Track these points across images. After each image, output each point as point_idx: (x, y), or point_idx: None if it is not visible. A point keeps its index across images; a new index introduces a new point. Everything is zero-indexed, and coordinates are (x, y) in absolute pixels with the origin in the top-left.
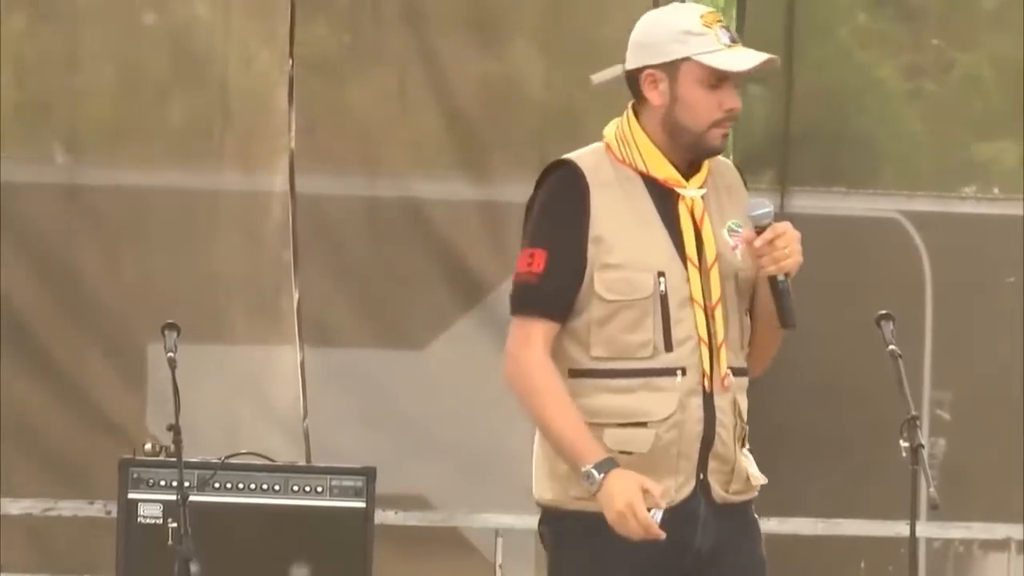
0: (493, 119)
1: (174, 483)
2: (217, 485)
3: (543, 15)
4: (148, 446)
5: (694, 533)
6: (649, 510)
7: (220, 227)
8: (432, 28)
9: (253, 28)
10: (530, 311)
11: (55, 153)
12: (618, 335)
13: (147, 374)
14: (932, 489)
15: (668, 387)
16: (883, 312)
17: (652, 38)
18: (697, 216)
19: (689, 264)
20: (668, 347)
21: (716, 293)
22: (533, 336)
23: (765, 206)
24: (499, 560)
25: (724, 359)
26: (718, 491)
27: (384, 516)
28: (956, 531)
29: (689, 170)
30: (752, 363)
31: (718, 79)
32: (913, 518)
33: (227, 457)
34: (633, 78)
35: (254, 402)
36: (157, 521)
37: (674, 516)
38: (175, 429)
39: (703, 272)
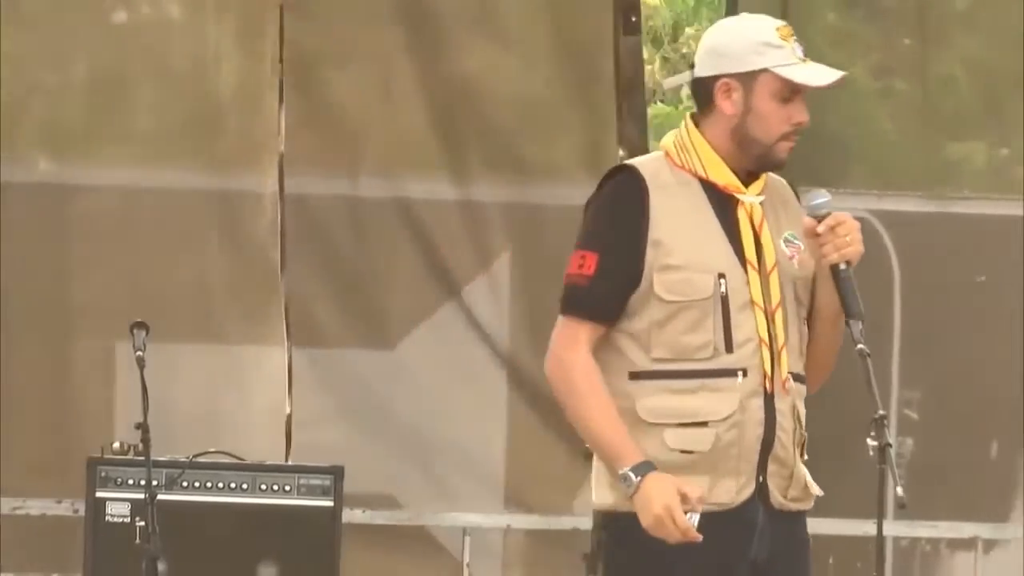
0: (474, 118)
1: (142, 482)
2: (185, 484)
3: (520, 14)
4: (116, 444)
5: (751, 542)
6: (686, 513)
7: (208, 227)
8: (417, 27)
9: (241, 28)
10: (578, 313)
11: (35, 153)
12: (678, 336)
13: (117, 373)
14: (899, 488)
15: (729, 388)
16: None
17: (730, 47)
18: (756, 222)
19: (749, 267)
20: (728, 348)
21: (776, 297)
22: (579, 338)
23: (824, 196)
24: (467, 559)
25: (785, 362)
26: (776, 496)
27: (352, 515)
28: (923, 530)
29: (748, 179)
30: (811, 375)
31: (791, 92)
32: (880, 517)
33: (195, 456)
34: (705, 85)
35: (238, 401)
36: (125, 520)
37: (732, 522)
38: (143, 428)
39: (763, 276)
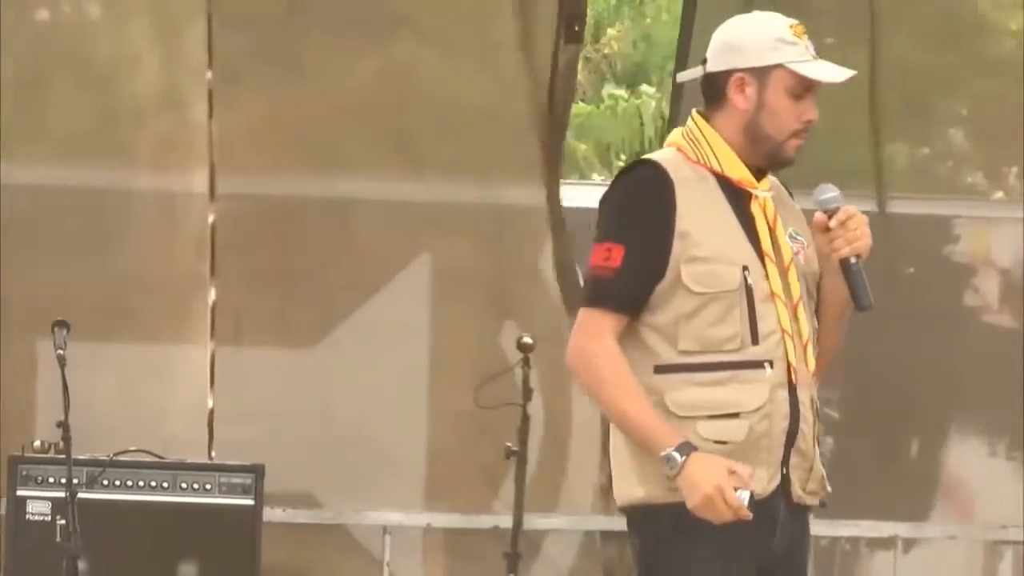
0: (396, 119)
1: (63, 480)
2: (106, 482)
3: (440, 14)
4: (37, 443)
5: (774, 534)
6: (736, 491)
7: (132, 227)
8: (342, 29)
9: (165, 30)
10: (603, 304)
11: None
12: (706, 329)
13: (38, 371)
14: None
15: (757, 379)
16: None
17: (745, 42)
18: (770, 216)
19: (767, 260)
20: (755, 340)
21: (797, 291)
22: (603, 329)
23: (834, 190)
24: (387, 558)
25: (811, 356)
26: (797, 489)
27: (272, 513)
28: (843, 529)
29: (757, 175)
30: (816, 367)
31: (804, 89)
32: None
33: (116, 454)
34: (718, 80)
35: (160, 400)
36: (46, 518)
37: (761, 513)
38: (64, 426)
39: (781, 270)
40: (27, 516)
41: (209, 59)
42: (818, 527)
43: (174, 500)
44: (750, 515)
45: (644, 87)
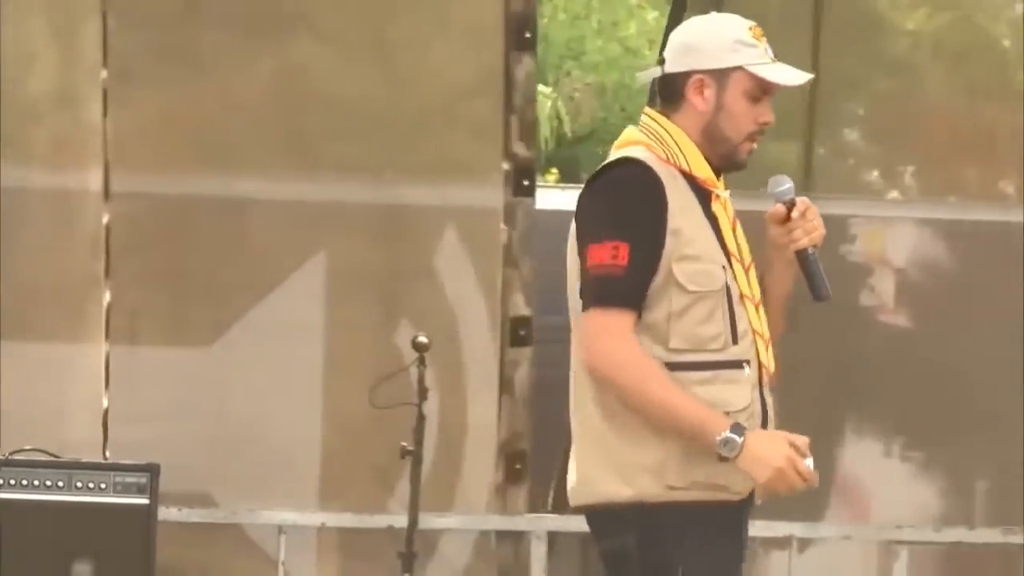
0: (292, 118)
1: None
2: (0, 482)
3: (336, 13)
4: None
5: (746, 533)
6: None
7: (26, 225)
8: (239, 26)
9: (59, 27)
10: (617, 303)
11: None
12: (694, 327)
13: None
14: None
15: (740, 379)
16: None
17: (704, 43)
18: (730, 216)
19: (734, 260)
20: (734, 340)
21: (758, 290)
22: (625, 328)
23: (788, 181)
24: (282, 557)
25: (771, 355)
26: (757, 489)
27: (167, 513)
28: None
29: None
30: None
31: (762, 92)
32: None
33: (11, 453)
34: (677, 81)
35: (55, 399)
36: None
37: (742, 510)
38: None
39: (744, 269)
40: None
41: (104, 58)
42: None
43: (69, 499)
44: (817, 483)
45: (540, 87)
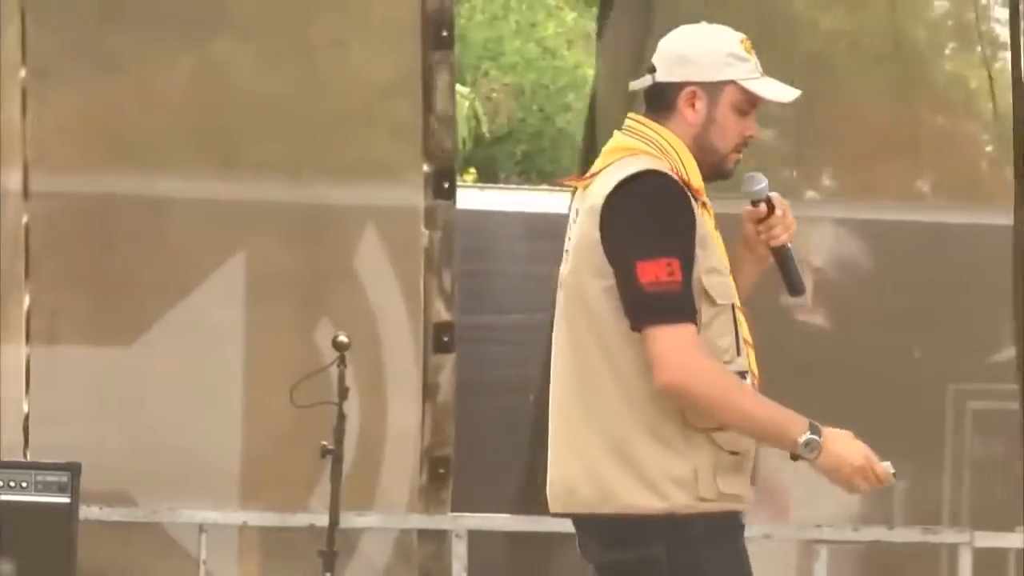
0: (214, 116)
1: None
2: None
3: (256, 13)
4: None
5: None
6: None
7: None
8: (158, 27)
9: None
10: (682, 317)
11: None
12: (715, 339)
13: None
14: None
15: None
16: None
17: (698, 55)
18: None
19: (727, 271)
20: (738, 351)
21: (739, 301)
22: (694, 340)
23: (764, 180)
24: (203, 556)
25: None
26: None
27: (88, 511)
28: None
29: None
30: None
31: (750, 106)
32: None
33: None
34: (669, 91)
35: None
36: None
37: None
38: None
39: (732, 279)
40: None
41: (23, 57)
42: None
43: None
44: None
45: (458, 87)
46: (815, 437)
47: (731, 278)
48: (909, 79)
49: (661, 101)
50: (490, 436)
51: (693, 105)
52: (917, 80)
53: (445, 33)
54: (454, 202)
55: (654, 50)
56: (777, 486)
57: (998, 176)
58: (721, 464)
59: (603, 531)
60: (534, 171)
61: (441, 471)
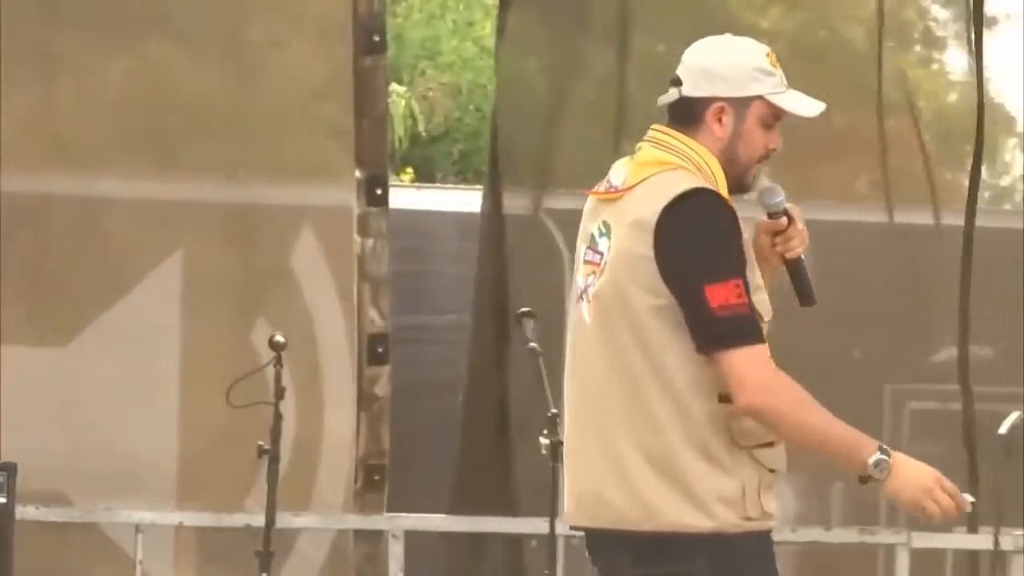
0: (151, 117)
1: None
2: None
3: (192, 14)
4: None
5: None
6: None
7: None
8: (95, 26)
9: None
10: (756, 338)
11: None
12: None
13: None
14: None
15: None
16: (524, 310)
17: (725, 70)
18: None
19: (764, 287)
20: None
21: None
22: (769, 361)
23: (782, 192)
24: (139, 556)
25: None
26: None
27: (25, 512)
28: None
29: None
30: None
31: (775, 119)
32: (553, 514)
33: None
34: (697, 105)
35: None
36: None
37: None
38: None
39: None
40: None
41: None
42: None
43: None
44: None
45: (395, 86)
46: (885, 458)
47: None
48: (847, 78)
49: (689, 115)
50: (426, 436)
51: (720, 120)
52: (856, 80)
53: (377, 37)
54: (387, 208)
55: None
56: None
57: (938, 176)
58: (763, 482)
59: (639, 547)
60: (471, 171)
61: (376, 478)
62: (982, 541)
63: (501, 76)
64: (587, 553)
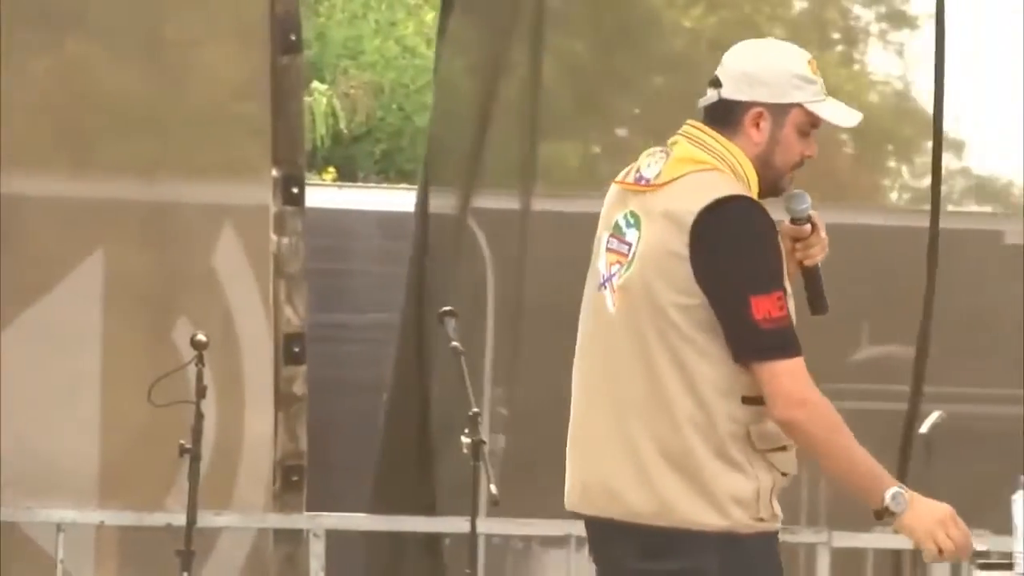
0: (70, 115)
1: None
2: None
3: (111, 12)
4: None
5: None
6: None
7: None
8: (12, 25)
9: None
10: (797, 351)
11: None
12: None
13: None
14: (492, 485)
15: None
16: (446, 309)
17: (767, 76)
18: None
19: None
20: None
21: None
22: (807, 375)
23: (809, 198)
24: (60, 555)
25: None
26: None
27: None
28: (516, 527)
29: None
30: None
31: (812, 127)
32: (474, 514)
33: None
34: (736, 108)
35: None
36: None
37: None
38: None
39: None
40: None
41: None
42: (491, 525)
43: None
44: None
45: (316, 84)
46: (902, 491)
47: None
48: None
49: (726, 117)
50: (345, 435)
51: (758, 125)
52: None
53: (293, 37)
54: (303, 207)
55: (515, 49)
56: None
57: (863, 176)
58: (776, 485)
59: (648, 541)
60: (393, 170)
61: (295, 479)
62: (902, 540)
63: (439, 76)
64: (588, 542)
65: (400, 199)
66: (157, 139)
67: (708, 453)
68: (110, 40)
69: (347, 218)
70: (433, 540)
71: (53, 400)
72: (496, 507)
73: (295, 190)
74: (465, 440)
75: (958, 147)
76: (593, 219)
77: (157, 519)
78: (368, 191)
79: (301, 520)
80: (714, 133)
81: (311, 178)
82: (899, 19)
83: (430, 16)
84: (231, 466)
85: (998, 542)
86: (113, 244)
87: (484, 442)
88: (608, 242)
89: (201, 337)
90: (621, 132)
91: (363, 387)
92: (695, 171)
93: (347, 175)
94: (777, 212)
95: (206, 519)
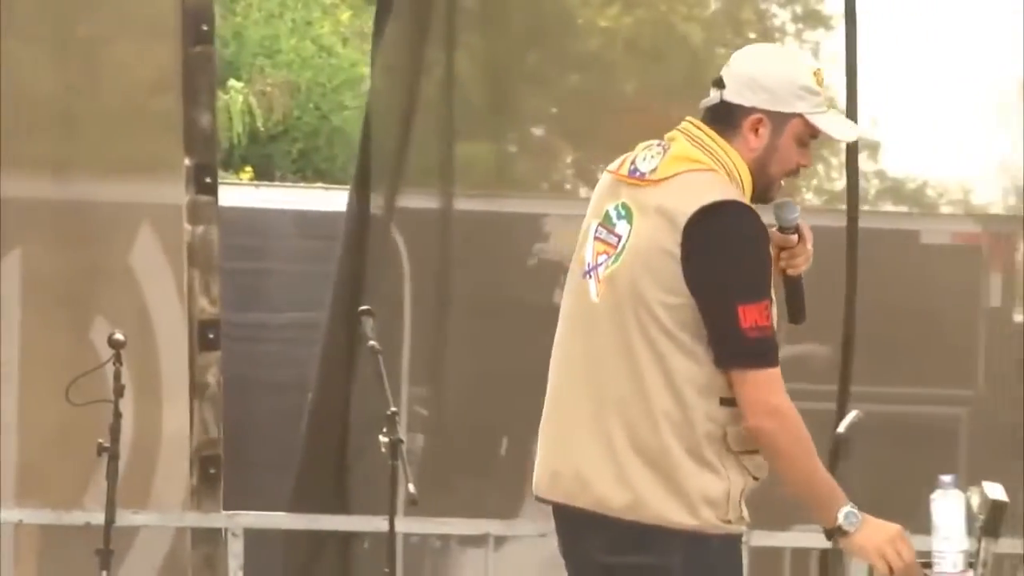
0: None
1: None
2: None
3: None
4: None
5: None
6: None
7: None
8: None
9: None
10: (774, 362)
11: None
12: None
13: None
14: (411, 484)
15: None
16: (363, 308)
17: (771, 83)
18: None
19: None
20: None
21: None
22: (782, 385)
23: (798, 208)
24: None
25: None
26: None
27: None
28: (434, 526)
29: None
30: None
31: (811, 137)
32: (392, 513)
33: None
34: (737, 112)
35: None
36: None
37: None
38: None
39: None
40: None
41: None
42: (408, 525)
43: None
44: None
45: (233, 82)
46: (855, 511)
47: None
48: (684, 77)
49: (727, 119)
50: (264, 435)
51: (757, 131)
52: (692, 78)
53: (205, 27)
54: (216, 198)
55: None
56: None
57: None
58: (747, 488)
59: (615, 534)
60: (310, 169)
61: (212, 471)
62: (820, 539)
63: (373, 77)
64: (556, 535)
65: (317, 198)
66: (71, 137)
67: (683, 452)
68: (22, 38)
69: (264, 217)
70: (351, 539)
71: None
72: (414, 506)
73: (208, 179)
74: (383, 439)
75: (873, 148)
76: (510, 219)
77: (76, 518)
78: (285, 190)
79: (219, 519)
80: (713, 134)
81: (228, 177)
82: (814, 19)
83: (346, 16)
84: (149, 464)
85: (917, 541)
86: (30, 244)
87: (402, 441)
88: (596, 231)
89: (119, 336)
90: (537, 131)
91: (282, 387)
92: (691, 170)
93: (264, 174)
94: (766, 218)
95: (125, 518)
